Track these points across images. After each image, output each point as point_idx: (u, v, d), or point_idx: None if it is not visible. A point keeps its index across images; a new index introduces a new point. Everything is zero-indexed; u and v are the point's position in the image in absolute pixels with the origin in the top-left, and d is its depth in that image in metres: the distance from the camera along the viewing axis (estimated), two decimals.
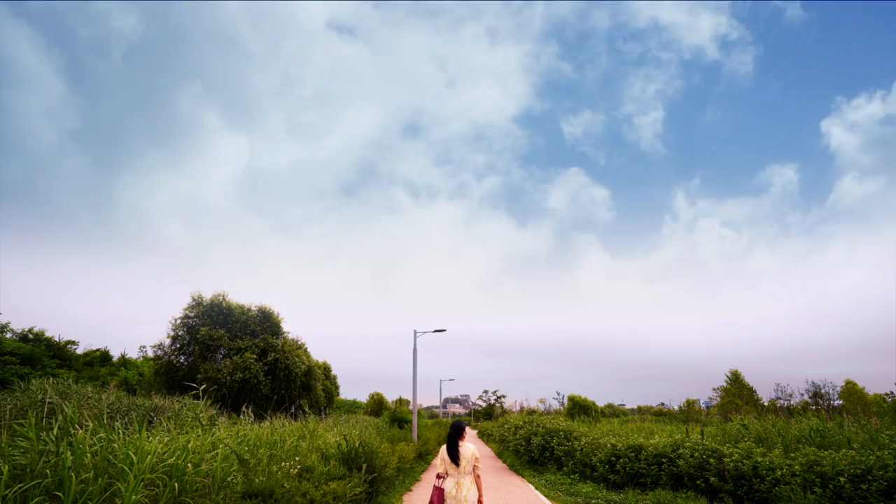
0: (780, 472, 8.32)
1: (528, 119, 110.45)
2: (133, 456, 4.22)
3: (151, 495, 4.20)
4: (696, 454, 9.78)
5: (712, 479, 9.18)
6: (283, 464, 5.89)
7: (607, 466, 11.47)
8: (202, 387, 9.80)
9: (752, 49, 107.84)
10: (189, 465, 4.64)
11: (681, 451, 10.20)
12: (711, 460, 9.51)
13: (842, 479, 7.53)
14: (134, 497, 3.84)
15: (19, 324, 33.65)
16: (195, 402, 16.61)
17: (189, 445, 4.72)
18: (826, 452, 8.50)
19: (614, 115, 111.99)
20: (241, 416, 9.83)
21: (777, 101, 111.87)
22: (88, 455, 4.06)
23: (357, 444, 8.15)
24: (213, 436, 6.16)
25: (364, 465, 7.56)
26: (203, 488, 4.68)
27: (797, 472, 8.21)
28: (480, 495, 5.39)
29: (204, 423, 7.25)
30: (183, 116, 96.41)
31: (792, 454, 9.09)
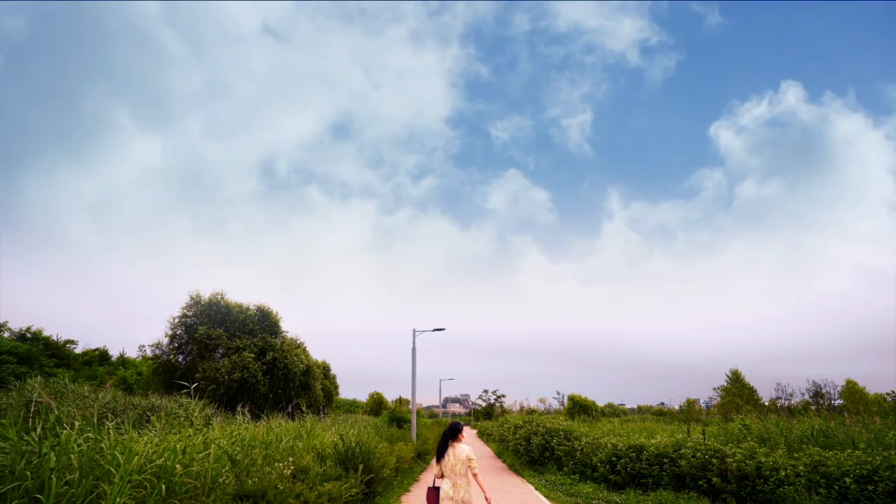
0: (784, 473, 8.19)
1: (459, 121, 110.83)
2: (119, 456, 4.08)
3: (138, 497, 4.07)
4: (699, 454, 9.65)
5: (715, 479, 9.04)
6: (276, 464, 5.75)
7: (608, 467, 11.33)
8: (194, 385, 9.63)
9: (675, 54, 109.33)
10: (178, 465, 4.50)
11: (683, 451, 10.06)
12: (714, 460, 9.38)
13: (847, 479, 7.39)
14: (119, 499, 3.70)
15: (19, 323, 33.48)
16: (193, 401, 16.53)
17: (178, 446, 4.57)
18: (831, 453, 8.37)
19: (541, 118, 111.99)
20: (237, 416, 9.69)
21: (697, 106, 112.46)
22: (73, 456, 3.92)
23: (354, 443, 8.02)
24: (205, 436, 6.02)
25: (361, 466, 7.42)
26: (193, 490, 4.55)
27: (801, 473, 8.07)
28: (484, 492, 5.40)
29: (196, 422, 7.11)
30: (90, 116, 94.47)
31: (796, 454, 8.95)
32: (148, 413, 10.83)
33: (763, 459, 8.67)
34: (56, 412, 5.32)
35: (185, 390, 10.54)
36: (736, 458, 8.98)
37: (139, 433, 5.76)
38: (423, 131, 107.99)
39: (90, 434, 4.87)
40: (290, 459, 5.98)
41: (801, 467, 8.20)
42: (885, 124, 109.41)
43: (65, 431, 4.07)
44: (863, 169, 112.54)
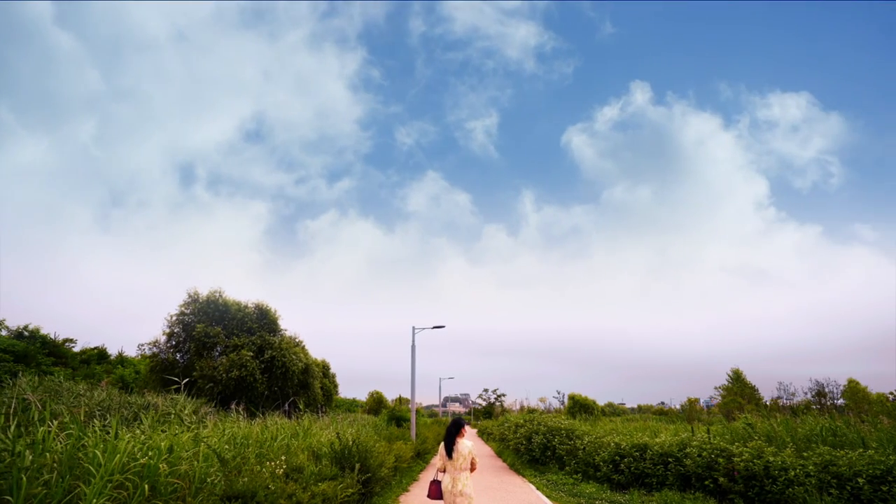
0: (793, 473, 7.96)
1: (370, 123, 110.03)
2: (100, 455, 3.85)
3: (120, 498, 3.84)
4: (704, 454, 9.42)
5: (721, 479, 8.81)
6: (268, 463, 5.53)
7: (611, 466, 11.11)
8: (185, 381, 9.39)
9: (573, 60, 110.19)
10: (163, 464, 4.28)
11: (688, 450, 9.84)
12: (720, 460, 9.15)
13: (860, 479, 7.17)
14: (97, 500, 3.47)
15: (18, 322, 33.23)
16: (190, 399, 16.31)
17: (162, 444, 4.34)
18: (842, 452, 8.15)
19: (445, 122, 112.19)
20: (232, 414, 9.46)
21: (564, 112, 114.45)
22: (48, 455, 3.69)
23: (351, 442, 7.79)
24: (194, 434, 5.79)
25: (357, 465, 7.19)
26: (179, 490, 4.32)
27: (811, 473, 7.85)
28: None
29: (188, 420, 6.88)
30: None
31: (805, 454, 8.73)
32: (143, 411, 10.63)
33: (771, 459, 8.43)
34: (40, 410, 5.09)
35: (175, 386, 10.28)
36: (743, 457, 8.75)
37: (128, 431, 5.54)
38: (334, 133, 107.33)
39: (72, 432, 4.65)
40: (283, 458, 5.76)
41: (810, 467, 7.97)
42: (737, 124, 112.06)
43: (41, 429, 3.84)
44: (717, 169, 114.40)
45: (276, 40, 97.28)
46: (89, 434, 4.57)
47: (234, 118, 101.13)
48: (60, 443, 4.28)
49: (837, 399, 32.09)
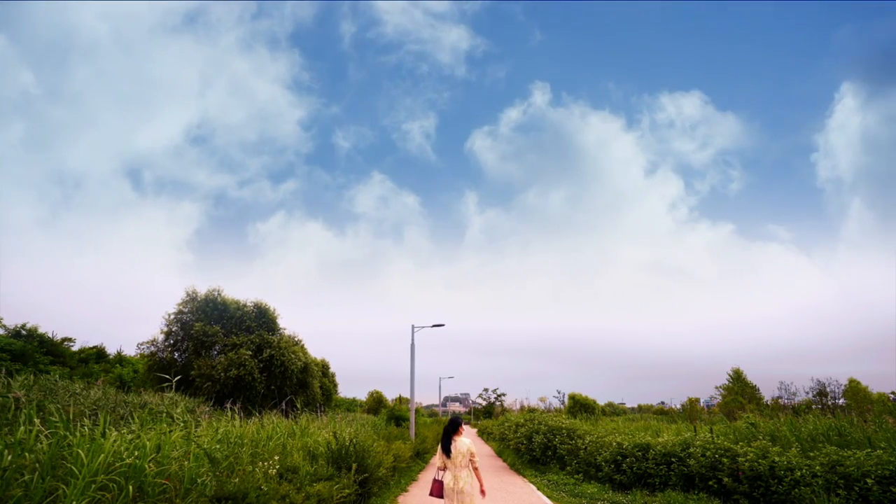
0: (799, 473, 7.79)
1: (310, 125, 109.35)
2: (83, 455, 3.69)
3: (103, 500, 3.68)
4: (708, 453, 9.26)
5: (726, 479, 8.66)
6: (261, 464, 5.37)
7: (613, 466, 10.95)
8: (176, 378, 9.23)
9: (504, 65, 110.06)
10: (150, 464, 4.11)
11: (691, 450, 9.68)
12: (724, 460, 8.99)
13: (869, 480, 7.00)
14: (77, 502, 3.31)
15: (17, 320, 33.05)
16: (188, 399, 16.14)
17: (148, 443, 4.18)
18: (849, 452, 7.98)
19: (382, 124, 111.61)
20: (227, 413, 9.30)
21: (475, 117, 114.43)
22: (28, 455, 3.53)
23: (348, 442, 7.62)
24: (185, 433, 5.63)
25: (354, 465, 7.03)
26: (168, 491, 4.16)
27: (818, 473, 7.68)
28: (481, 485, 5.74)
29: (181, 418, 6.72)
30: None
31: (811, 454, 8.56)
32: (139, 410, 10.48)
33: (777, 459, 8.28)
34: (25, 408, 4.92)
35: (166, 383, 10.11)
36: (748, 457, 8.59)
37: (119, 430, 5.38)
38: (275, 135, 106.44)
39: (59, 430, 4.49)
40: (276, 458, 5.60)
41: (817, 467, 7.81)
42: (639, 124, 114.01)
43: (21, 428, 3.68)
44: (621, 169, 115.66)
45: (211, 43, 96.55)
46: (77, 433, 4.41)
47: (174, 120, 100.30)
48: (42, 442, 4.12)
49: (839, 399, 31.92)
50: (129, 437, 4.43)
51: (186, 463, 4.57)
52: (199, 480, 4.55)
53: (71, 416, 5.80)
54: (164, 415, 7.17)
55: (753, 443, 9.27)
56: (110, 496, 3.70)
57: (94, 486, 3.68)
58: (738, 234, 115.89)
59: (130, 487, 3.66)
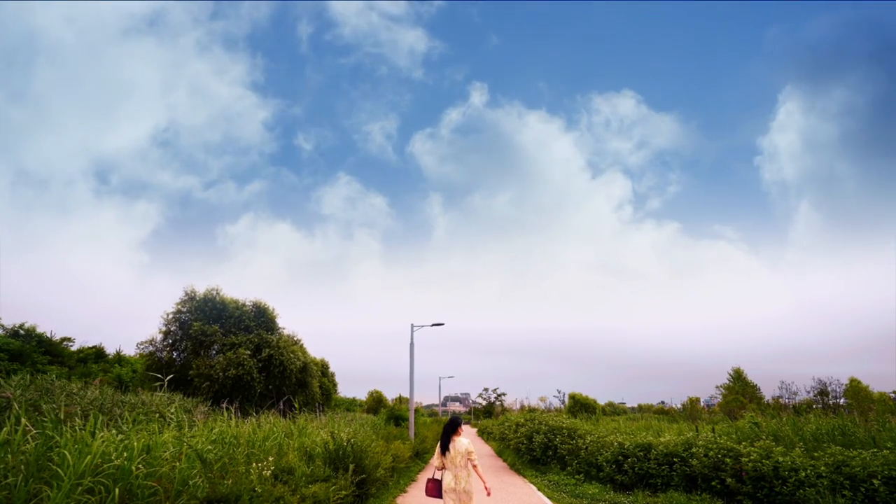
0: (804, 474, 7.67)
1: (273, 126, 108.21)
2: (69, 456, 3.57)
3: (89, 503, 3.55)
4: (711, 453, 9.14)
5: (729, 480, 8.54)
6: (255, 465, 5.24)
7: (614, 466, 10.83)
8: (168, 377, 9.11)
9: (463, 69, 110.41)
10: (140, 466, 3.99)
11: (693, 450, 9.56)
12: (727, 460, 8.87)
13: (875, 481, 6.88)
14: None
15: (15, 320, 32.89)
16: (186, 398, 16.03)
17: (136, 444, 4.06)
18: (854, 452, 7.85)
19: (344, 126, 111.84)
20: (224, 413, 9.18)
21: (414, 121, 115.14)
22: (10, 457, 3.40)
23: (346, 442, 7.50)
24: (178, 433, 5.51)
25: (352, 466, 6.91)
26: (157, 494, 4.04)
27: (823, 474, 7.56)
28: (485, 484, 5.77)
29: (174, 418, 6.59)
30: None
31: (815, 454, 8.44)
32: (132, 410, 10.36)
33: (781, 459, 8.15)
34: (16, 408, 4.81)
35: (158, 383, 9.99)
36: (751, 457, 8.47)
37: (110, 431, 5.26)
38: (238, 136, 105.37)
39: (48, 431, 4.37)
40: (270, 459, 5.47)
41: (822, 468, 7.68)
42: (577, 124, 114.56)
43: (5, 429, 3.56)
44: (561, 168, 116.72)
45: (172, 45, 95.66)
46: (64, 434, 4.28)
47: (137, 123, 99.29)
48: (30, 443, 4.00)
49: (840, 398, 31.81)
50: (119, 437, 4.31)
51: (178, 464, 4.45)
52: (190, 482, 4.43)
53: (62, 416, 5.68)
54: (157, 415, 7.04)
55: (757, 443, 9.15)
56: (96, 499, 3.58)
57: (79, 488, 3.56)
58: (684, 234, 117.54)
59: (117, 490, 3.54)
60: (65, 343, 36.57)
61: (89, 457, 3.65)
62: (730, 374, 43.61)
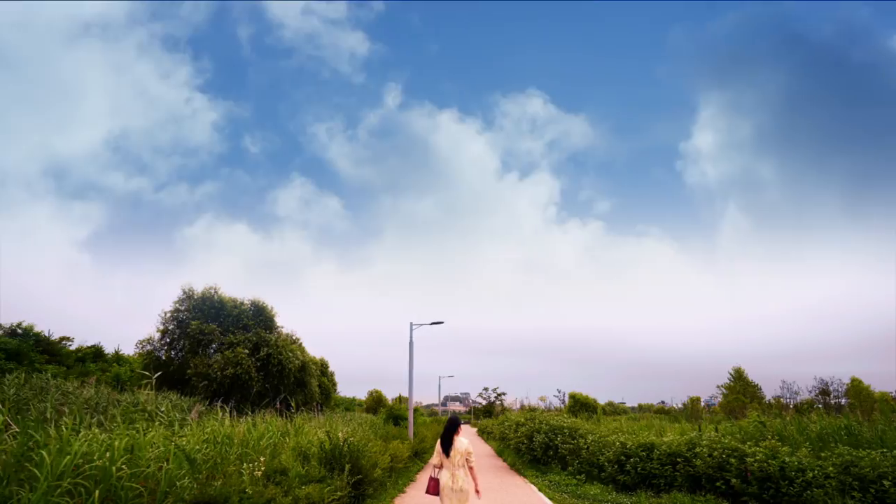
0: (811, 474, 7.50)
1: (221, 128, 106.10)
2: (46, 457, 3.39)
3: None
4: (715, 453, 8.96)
5: (734, 480, 8.36)
6: (246, 465, 5.07)
7: (616, 466, 10.65)
8: (156, 375, 8.90)
9: (401, 74, 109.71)
10: (123, 466, 3.81)
11: (697, 450, 9.38)
12: (732, 460, 8.69)
13: (885, 482, 6.71)
14: None
15: (13, 319, 32.72)
16: (183, 398, 15.85)
17: (116, 444, 3.88)
18: (863, 452, 7.67)
19: (290, 128, 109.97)
20: (218, 412, 9.00)
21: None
22: None
23: (342, 441, 7.33)
24: (172, 432, 5.33)
25: (348, 466, 6.73)
26: (142, 496, 3.86)
27: (831, 475, 7.39)
28: (476, 484, 5.73)
29: (162, 417, 6.41)
30: None
31: (822, 454, 8.26)
32: (121, 408, 10.20)
33: (787, 459, 7.98)
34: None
35: (146, 381, 9.82)
36: (757, 457, 8.29)
37: (101, 430, 5.08)
38: (188, 137, 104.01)
39: (30, 431, 4.19)
40: (262, 459, 5.30)
41: (830, 468, 7.51)
42: (492, 125, 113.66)
43: None
44: (480, 169, 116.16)
45: (116, 47, 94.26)
46: (42, 433, 4.10)
47: (85, 126, 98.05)
48: (9, 443, 3.82)
49: (841, 398, 31.65)
50: (103, 436, 4.13)
51: (165, 465, 4.27)
52: (178, 484, 4.25)
53: (49, 415, 5.50)
54: (146, 414, 6.86)
55: (762, 442, 8.97)
56: (75, 502, 3.40)
57: (59, 490, 3.38)
58: (609, 232, 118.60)
59: (97, 493, 3.36)
60: (63, 342, 36.43)
61: (68, 457, 3.47)
62: (730, 374, 43.38)
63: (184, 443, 5.17)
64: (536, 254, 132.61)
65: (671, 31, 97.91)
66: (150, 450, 4.46)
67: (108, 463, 3.63)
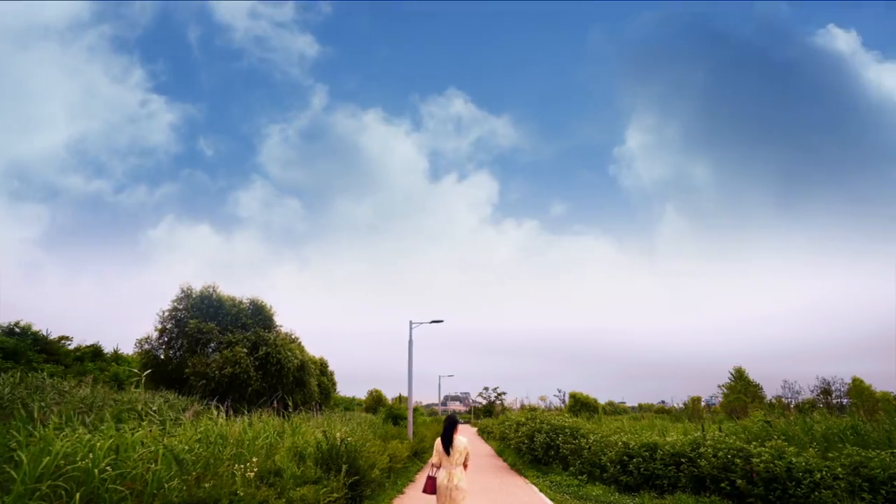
0: (819, 475, 7.33)
1: (179, 127, 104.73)
2: (24, 458, 3.22)
3: None
4: (720, 454, 8.79)
5: (739, 481, 8.19)
6: (238, 466, 4.90)
7: (619, 467, 10.48)
8: (146, 372, 8.72)
9: (352, 78, 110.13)
10: (107, 468, 3.65)
11: (701, 450, 9.21)
12: (737, 461, 8.52)
13: None
14: None
15: (10, 318, 32.57)
16: (181, 397, 15.69)
17: (98, 444, 3.71)
18: (873, 453, 7.50)
19: (243, 131, 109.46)
20: (213, 411, 8.84)
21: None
22: None
23: (339, 441, 7.16)
24: (163, 431, 5.16)
25: (345, 467, 6.57)
26: (126, 498, 3.69)
27: (840, 476, 7.21)
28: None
29: (154, 417, 6.25)
30: None
31: (830, 454, 8.09)
32: (146, 408, 10.06)
33: (794, 460, 7.81)
34: None
35: (135, 379, 9.66)
36: (763, 458, 8.12)
37: (76, 429, 4.91)
38: (145, 138, 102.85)
39: (14, 431, 4.03)
40: (255, 460, 5.13)
41: (838, 469, 7.33)
42: (419, 127, 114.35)
43: None
44: (411, 171, 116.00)
45: (71, 49, 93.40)
46: (23, 433, 3.94)
47: (44, 128, 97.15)
48: None
49: (843, 398, 31.49)
50: (87, 437, 3.96)
51: (153, 466, 4.10)
52: (166, 486, 4.08)
53: (37, 415, 5.34)
54: (135, 413, 6.70)
55: (768, 443, 8.80)
56: None
57: (37, 493, 3.21)
58: (543, 231, 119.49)
59: (77, 495, 3.19)
60: (62, 342, 36.29)
61: (48, 458, 3.30)
62: (731, 374, 43.17)
63: (175, 443, 5.00)
64: (475, 253, 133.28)
65: (590, 32, 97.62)
66: (138, 450, 4.29)
67: (90, 464, 3.46)
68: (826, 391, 32.30)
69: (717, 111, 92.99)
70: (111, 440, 3.96)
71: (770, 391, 37.34)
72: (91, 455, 3.62)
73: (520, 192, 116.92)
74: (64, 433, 3.83)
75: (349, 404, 56.75)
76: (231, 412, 11.80)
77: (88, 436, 3.97)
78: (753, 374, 40.29)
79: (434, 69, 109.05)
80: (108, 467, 3.67)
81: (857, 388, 35.00)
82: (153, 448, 4.47)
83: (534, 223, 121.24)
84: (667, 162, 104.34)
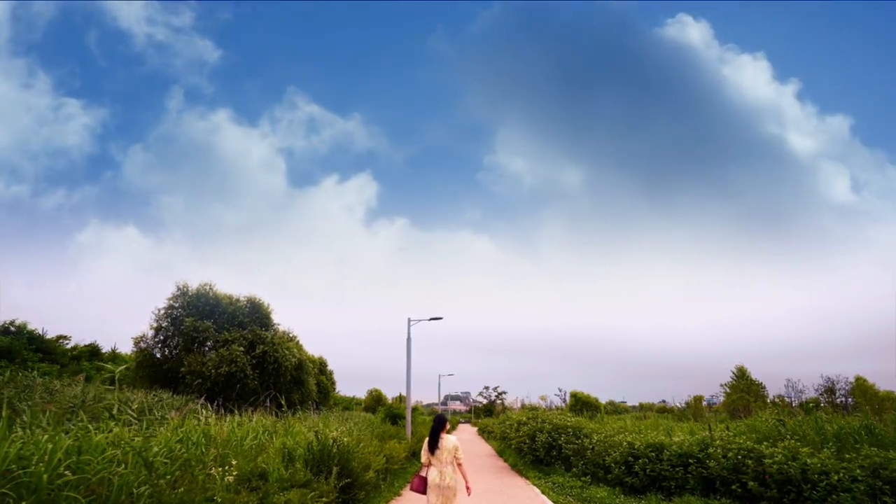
0: (836, 477, 6.97)
1: (93, 128, 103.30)
2: None
3: None
4: (730, 454, 8.42)
5: (750, 483, 7.82)
6: (217, 469, 4.55)
7: (624, 468, 10.11)
8: (121, 368, 8.37)
9: (255, 81, 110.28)
10: (66, 472, 3.29)
11: (710, 450, 8.84)
12: (748, 461, 8.15)
13: None
14: None
15: (7, 317, 32.27)
16: (176, 396, 15.36)
17: (50, 445, 3.35)
18: (893, 454, 7.12)
19: (156, 134, 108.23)
20: (203, 410, 8.49)
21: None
22: None
23: (331, 442, 6.80)
24: (149, 433, 4.80)
25: (336, 469, 6.21)
26: None
27: (859, 478, 6.84)
28: (466, 482, 5.73)
29: (128, 416, 5.89)
30: None
31: (846, 455, 7.72)
32: (124, 407, 9.72)
33: (809, 461, 7.45)
34: None
35: (109, 375, 9.33)
36: (776, 458, 7.75)
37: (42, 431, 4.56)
38: (58, 140, 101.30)
39: None
40: (234, 463, 4.78)
41: (857, 471, 6.97)
42: (274, 129, 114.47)
43: None
44: (269, 173, 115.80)
45: None
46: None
47: None
48: None
49: (847, 397, 31.14)
50: (45, 437, 3.60)
51: (120, 469, 3.75)
52: (134, 491, 3.73)
53: (3, 414, 4.98)
54: (106, 413, 6.34)
55: (780, 443, 8.43)
56: None
57: None
58: (413, 228, 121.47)
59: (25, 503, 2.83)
60: (60, 341, 36.03)
61: None
62: (733, 373, 42.76)
63: (153, 443, 4.64)
64: (349, 253, 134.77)
65: (431, 35, 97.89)
66: (107, 452, 3.94)
67: (42, 468, 3.10)
68: (830, 390, 31.94)
69: (572, 104, 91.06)
70: (75, 441, 3.61)
71: (770, 390, 36.92)
72: (45, 458, 3.26)
73: (389, 192, 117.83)
74: (18, 434, 3.48)
75: (349, 404, 56.43)
76: (224, 411, 11.46)
77: (46, 436, 3.62)
78: (756, 374, 39.89)
79: (279, 71, 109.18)
80: (66, 471, 3.31)
81: (861, 388, 34.56)
82: (125, 450, 4.11)
83: (404, 220, 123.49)
84: (538, 162, 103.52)
